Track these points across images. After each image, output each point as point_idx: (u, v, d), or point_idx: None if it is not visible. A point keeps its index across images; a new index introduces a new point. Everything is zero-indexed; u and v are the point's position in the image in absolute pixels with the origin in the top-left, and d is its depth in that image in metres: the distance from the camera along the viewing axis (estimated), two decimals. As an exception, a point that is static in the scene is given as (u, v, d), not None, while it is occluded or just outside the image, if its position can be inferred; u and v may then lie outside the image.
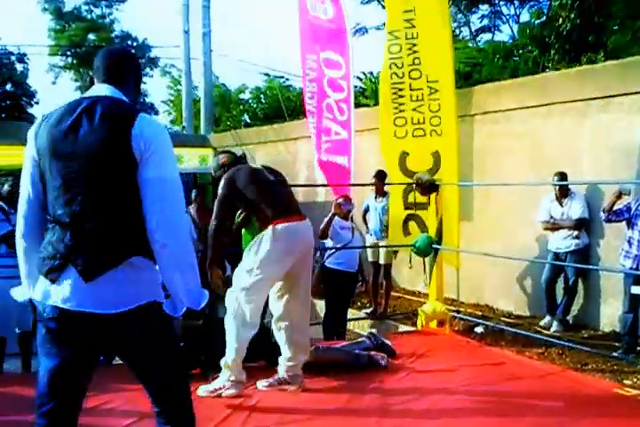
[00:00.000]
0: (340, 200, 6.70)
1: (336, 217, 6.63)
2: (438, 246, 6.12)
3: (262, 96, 18.67)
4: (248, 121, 18.88)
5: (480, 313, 7.73)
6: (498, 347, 5.96)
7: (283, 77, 18.70)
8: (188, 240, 2.37)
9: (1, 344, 5.40)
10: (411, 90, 7.16)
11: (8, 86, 24.52)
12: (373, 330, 5.91)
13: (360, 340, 5.19)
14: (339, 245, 6.52)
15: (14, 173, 5.74)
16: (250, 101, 19.55)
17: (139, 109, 2.39)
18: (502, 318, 7.49)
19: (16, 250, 5.21)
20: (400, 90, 7.21)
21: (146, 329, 2.32)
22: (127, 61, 2.55)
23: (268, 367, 4.44)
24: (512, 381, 4.53)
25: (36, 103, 26.15)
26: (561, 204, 6.82)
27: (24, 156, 2.40)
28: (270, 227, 3.96)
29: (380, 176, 7.79)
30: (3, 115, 22.43)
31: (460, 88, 8.81)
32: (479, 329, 6.80)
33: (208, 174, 9.57)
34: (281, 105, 14.88)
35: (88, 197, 2.24)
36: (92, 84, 2.51)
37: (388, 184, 7.57)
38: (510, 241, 7.53)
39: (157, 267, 2.35)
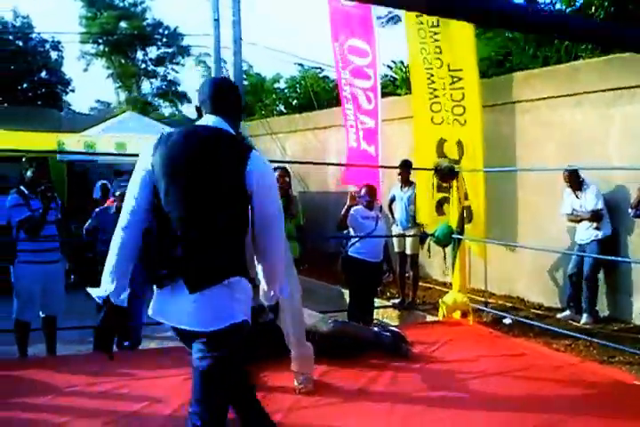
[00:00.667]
0: (363, 191, 6.67)
1: (360, 206, 6.60)
2: (460, 236, 6.06)
3: (298, 86, 18.61)
4: (283, 110, 18.85)
5: (510, 305, 7.64)
6: (525, 338, 5.90)
7: (319, 68, 18.62)
8: (283, 258, 2.79)
9: (25, 329, 5.49)
10: (438, 78, 7.07)
11: (43, 74, 24.48)
12: (382, 319, 5.86)
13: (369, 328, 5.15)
14: (361, 235, 6.49)
15: (38, 160, 5.79)
16: (285, 91, 19.52)
17: (250, 147, 2.67)
18: (532, 310, 7.40)
19: (34, 235, 5.28)
20: (432, 75, 7.12)
21: (231, 345, 2.56)
22: (233, 94, 2.78)
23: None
24: (529, 371, 4.51)
25: (72, 91, 26.19)
26: (577, 196, 6.75)
27: (138, 165, 2.63)
28: None
29: (406, 166, 7.73)
30: (38, 102, 22.43)
31: (491, 77, 8.69)
32: (507, 320, 6.72)
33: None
34: (317, 95, 14.81)
35: (201, 219, 2.52)
36: (199, 112, 2.77)
37: (414, 169, 7.49)
38: (541, 232, 7.43)
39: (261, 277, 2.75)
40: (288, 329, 4.09)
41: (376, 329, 5.05)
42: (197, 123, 2.74)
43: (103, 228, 5.58)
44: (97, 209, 5.84)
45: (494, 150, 7.28)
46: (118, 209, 5.60)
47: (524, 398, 4.00)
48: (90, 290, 2.77)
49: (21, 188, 5.55)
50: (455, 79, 6.89)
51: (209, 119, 2.68)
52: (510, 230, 7.84)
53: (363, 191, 6.67)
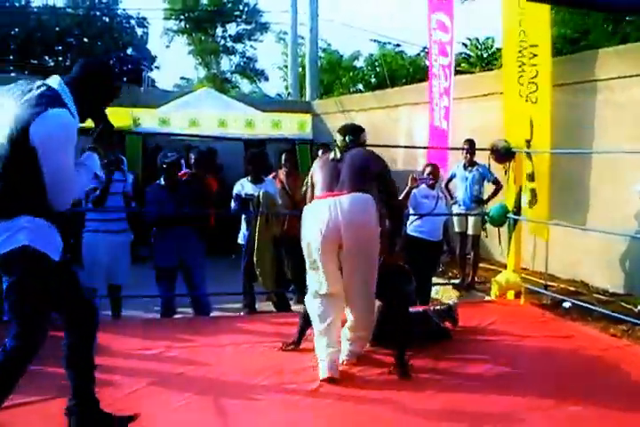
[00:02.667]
0: (428, 169, 6.66)
1: (422, 186, 6.60)
2: (516, 217, 6.00)
3: (376, 63, 18.51)
4: (361, 89, 18.78)
5: (573, 289, 7.52)
6: (582, 323, 5.81)
7: (399, 45, 18.47)
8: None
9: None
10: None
11: (129, 50, 24.72)
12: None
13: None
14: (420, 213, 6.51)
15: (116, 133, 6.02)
16: (363, 69, 19.43)
17: (55, 103, 2.69)
18: (595, 295, 7.26)
19: (97, 206, 5.51)
20: (525, 48, 7.05)
21: (20, 270, 2.75)
22: (92, 69, 2.89)
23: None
24: (572, 352, 4.50)
25: (157, 68, 26.38)
26: None
27: None
28: None
29: (471, 145, 7.67)
30: (124, 79, 22.72)
31: (565, 54, 8.48)
32: (567, 304, 6.64)
33: (307, 140, 9.75)
34: (395, 72, 14.70)
35: None
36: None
37: (478, 150, 7.43)
38: (609, 215, 7.22)
39: None
40: (357, 312, 4.09)
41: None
42: None
43: (158, 200, 5.71)
44: (148, 187, 5.94)
45: (564, 130, 7.13)
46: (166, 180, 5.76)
47: (563, 377, 4.01)
48: None
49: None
50: (531, 55, 6.79)
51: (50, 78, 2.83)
52: (577, 213, 7.67)
53: (427, 170, 6.65)
